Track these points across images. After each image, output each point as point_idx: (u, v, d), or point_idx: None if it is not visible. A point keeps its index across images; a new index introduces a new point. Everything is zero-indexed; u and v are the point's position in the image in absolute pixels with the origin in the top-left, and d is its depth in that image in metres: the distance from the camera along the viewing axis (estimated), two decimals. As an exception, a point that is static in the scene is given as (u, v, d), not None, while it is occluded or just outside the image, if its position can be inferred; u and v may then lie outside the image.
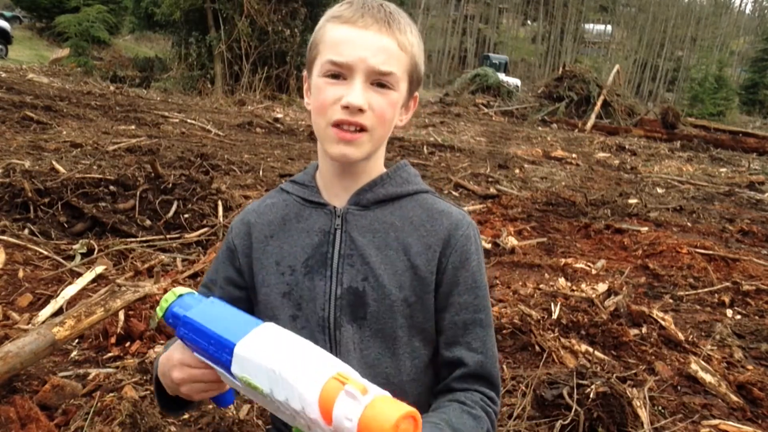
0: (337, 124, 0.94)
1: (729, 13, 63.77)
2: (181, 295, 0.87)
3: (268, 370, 0.70)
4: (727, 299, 3.78)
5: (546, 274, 4.00)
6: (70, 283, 3.01)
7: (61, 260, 3.35)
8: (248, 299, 1.10)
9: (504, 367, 2.60)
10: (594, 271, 4.08)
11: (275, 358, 0.70)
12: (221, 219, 4.20)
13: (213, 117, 10.73)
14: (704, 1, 60.24)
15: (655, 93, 50.90)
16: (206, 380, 0.85)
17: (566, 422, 2.06)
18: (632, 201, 6.89)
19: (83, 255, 3.45)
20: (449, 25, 56.84)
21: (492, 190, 6.88)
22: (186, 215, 4.21)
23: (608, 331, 2.96)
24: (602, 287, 3.56)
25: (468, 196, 6.59)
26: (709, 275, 4.20)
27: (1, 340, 2.29)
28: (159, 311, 0.87)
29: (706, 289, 3.94)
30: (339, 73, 0.94)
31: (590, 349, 2.77)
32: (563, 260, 4.29)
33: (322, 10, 1.03)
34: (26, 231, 3.68)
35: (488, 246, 4.50)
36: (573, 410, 2.07)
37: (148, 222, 4.08)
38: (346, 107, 0.93)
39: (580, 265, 4.18)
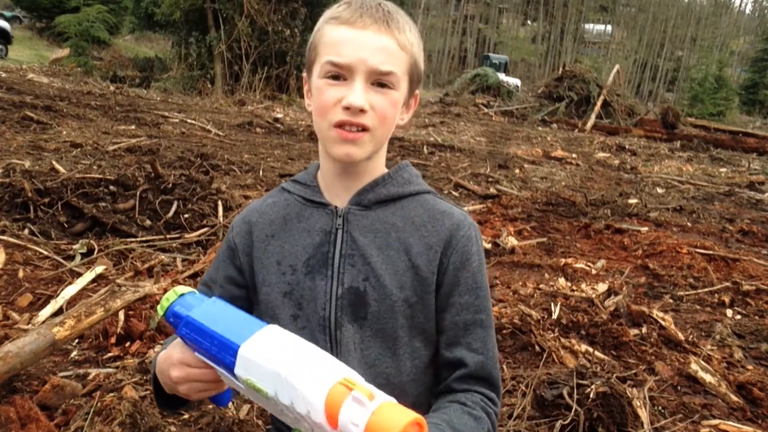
0: (339, 125, 0.94)
1: (729, 13, 63.79)
2: (182, 294, 0.87)
3: (273, 373, 0.70)
4: (727, 299, 3.78)
5: (546, 274, 4.00)
6: (70, 283, 3.01)
7: (61, 260, 3.35)
8: (248, 298, 1.10)
9: (504, 367, 2.60)
10: (594, 271, 4.08)
11: (281, 362, 0.70)
12: (221, 219, 4.20)
13: (213, 117, 10.73)
14: (704, 1, 60.27)
15: (655, 93, 50.91)
16: (205, 380, 0.85)
17: (566, 422, 2.06)
18: (632, 201, 6.89)
19: (83, 255, 3.45)
20: (449, 25, 56.85)
21: (492, 190, 6.88)
22: (186, 215, 4.21)
23: (608, 331, 2.96)
24: (602, 287, 3.56)
25: (468, 196, 6.59)
26: (709, 275, 4.20)
27: (1, 340, 2.29)
28: (160, 310, 0.86)
29: (706, 289, 3.94)
30: (339, 74, 0.94)
31: (590, 349, 2.77)
32: (563, 260, 4.29)
33: (322, 10, 1.03)
34: (26, 231, 3.68)
35: (488, 246, 4.50)
36: (573, 410, 2.07)
37: (148, 222, 4.08)
38: (347, 108, 0.93)
39: (580, 265, 4.18)
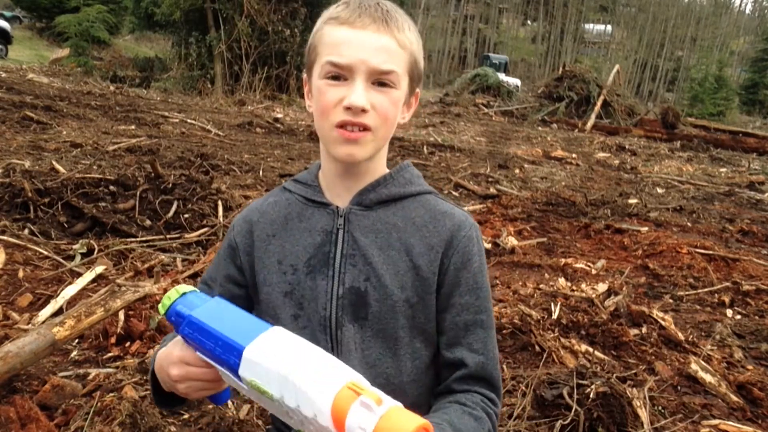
0: (341, 125, 0.94)
1: (729, 13, 63.78)
2: (185, 293, 0.86)
3: (279, 376, 0.70)
4: (727, 299, 3.78)
5: (546, 274, 4.00)
6: (70, 283, 3.01)
7: (61, 260, 3.35)
8: (248, 297, 1.10)
9: (504, 367, 2.60)
10: (594, 271, 4.08)
11: (287, 365, 0.70)
12: (221, 219, 4.20)
13: (213, 117, 10.73)
14: (704, 1, 60.26)
15: (655, 93, 50.90)
16: (205, 379, 0.85)
17: (566, 422, 2.06)
18: (632, 201, 6.89)
19: (83, 255, 3.45)
20: (449, 25, 56.84)
21: (492, 190, 6.88)
22: (186, 215, 4.21)
23: (608, 331, 2.96)
24: (602, 287, 3.56)
25: (468, 196, 6.59)
26: (709, 275, 4.20)
27: (1, 340, 2.29)
28: (161, 308, 0.86)
29: (706, 289, 3.94)
30: (340, 75, 0.94)
31: (590, 349, 2.77)
32: (563, 260, 4.29)
33: (322, 10, 1.02)
34: (26, 231, 3.68)
35: (488, 246, 4.50)
36: (573, 410, 2.07)
37: (148, 222, 4.08)
38: (348, 108, 0.93)
39: (580, 265, 4.18)
